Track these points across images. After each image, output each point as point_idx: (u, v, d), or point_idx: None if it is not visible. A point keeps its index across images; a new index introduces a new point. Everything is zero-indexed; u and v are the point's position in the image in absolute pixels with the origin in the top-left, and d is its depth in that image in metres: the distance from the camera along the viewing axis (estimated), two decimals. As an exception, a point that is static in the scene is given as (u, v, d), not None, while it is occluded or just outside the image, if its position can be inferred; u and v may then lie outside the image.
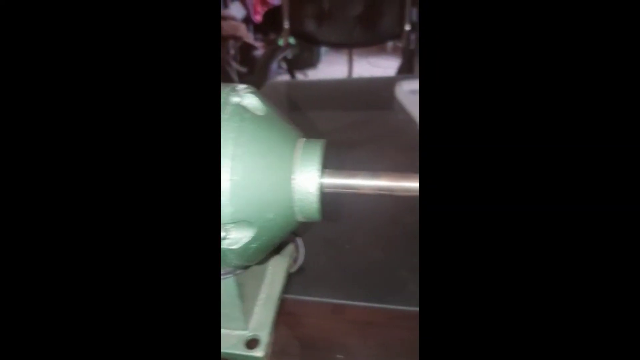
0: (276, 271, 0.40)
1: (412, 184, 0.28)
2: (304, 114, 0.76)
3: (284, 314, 0.39)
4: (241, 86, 0.28)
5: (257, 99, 0.28)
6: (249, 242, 0.27)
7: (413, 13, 1.42)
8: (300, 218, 0.29)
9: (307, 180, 0.27)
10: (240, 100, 0.27)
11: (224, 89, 0.27)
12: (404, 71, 1.37)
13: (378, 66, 2.55)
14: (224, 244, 0.26)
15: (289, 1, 1.48)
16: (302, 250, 0.44)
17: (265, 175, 0.26)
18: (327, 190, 0.29)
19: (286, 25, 1.50)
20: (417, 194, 0.28)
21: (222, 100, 0.26)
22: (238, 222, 0.26)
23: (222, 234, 0.25)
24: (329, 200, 0.32)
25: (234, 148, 0.25)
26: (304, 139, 0.29)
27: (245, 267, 0.32)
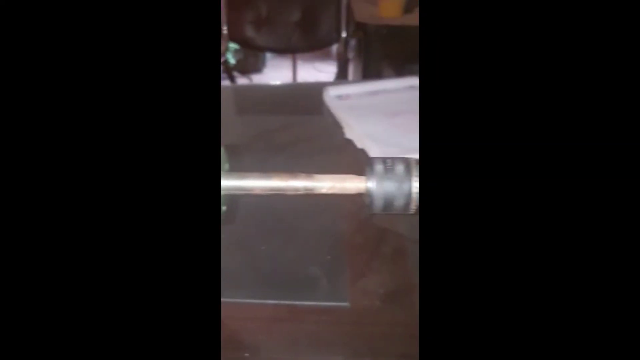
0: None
1: (300, 183, 0.30)
2: (235, 118, 0.77)
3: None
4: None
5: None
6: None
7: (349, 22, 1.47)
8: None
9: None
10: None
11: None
12: (339, 77, 1.41)
13: (323, 71, 2.60)
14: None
15: (227, 7, 1.48)
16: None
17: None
18: (223, 192, 0.30)
19: (224, 30, 1.49)
20: (305, 192, 0.30)
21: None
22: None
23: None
24: (229, 201, 0.33)
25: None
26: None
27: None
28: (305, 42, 1.58)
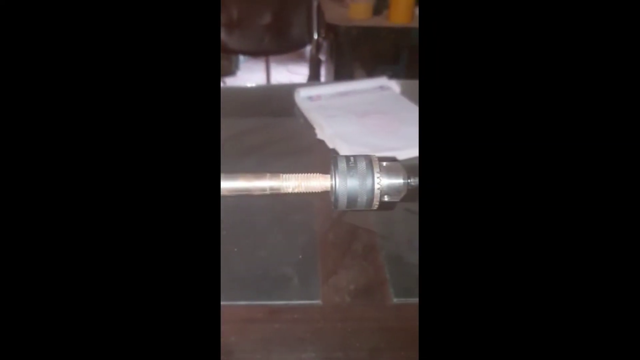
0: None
1: (266, 183, 0.30)
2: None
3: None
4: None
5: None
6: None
7: (321, 23, 1.48)
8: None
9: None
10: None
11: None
12: (311, 78, 1.42)
13: (297, 73, 2.60)
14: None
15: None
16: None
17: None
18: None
19: (195, 33, 1.48)
20: (271, 192, 0.30)
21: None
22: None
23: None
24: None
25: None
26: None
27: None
28: (277, 45, 1.58)
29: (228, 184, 0.30)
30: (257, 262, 0.46)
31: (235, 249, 0.47)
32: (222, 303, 0.41)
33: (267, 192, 0.30)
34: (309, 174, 0.30)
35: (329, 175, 0.30)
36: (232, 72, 2.57)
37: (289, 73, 2.64)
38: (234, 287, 0.43)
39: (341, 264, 0.45)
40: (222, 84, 2.31)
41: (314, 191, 0.31)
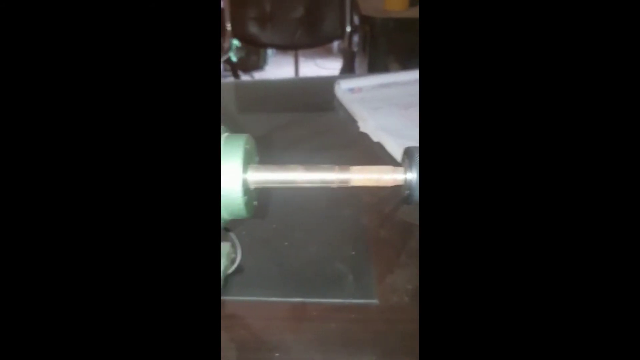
0: (211, 273, 0.39)
1: (335, 176, 0.29)
2: (248, 114, 0.75)
3: (222, 317, 0.38)
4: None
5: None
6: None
7: (353, 16, 1.46)
8: (226, 215, 0.29)
9: (230, 176, 0.27)
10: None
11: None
12: (345, 71, 1.40)
13: (325, 67, 2.58)
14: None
15: (230, 4, 1.46)
16: (239, 251, 0.43)
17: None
18: (254, 186, 0.29)
19: (228, 27, 1.47)
20: (339, 185, 0.28)
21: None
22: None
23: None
24: (263, 197, 0.32)
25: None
26: (227, 134, 0.29)
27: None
28: (309, 38, 1.56)
29: (296, 176, 0.28)
30: (308, 257, 0.44)
31: (286, 243, 0.46)
32: (274, 299, 0.40)
33: (335, 185, 0.29)
34: (379, 167, 0.29)
35: (401, 168, 0.28)
36: (260, 66, 2.57)
37: (317, 67, 2.62)
38: (287, 283, 0.41)
39: (397, 263, 0.43)
40: (250, 78, 2.32)
41: (384, 185, 0.29)
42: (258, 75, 2.48)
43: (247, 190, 0.28)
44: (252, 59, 2.47)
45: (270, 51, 2.58)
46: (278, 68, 2.59)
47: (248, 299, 0.40)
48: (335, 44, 2.55)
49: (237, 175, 0.27)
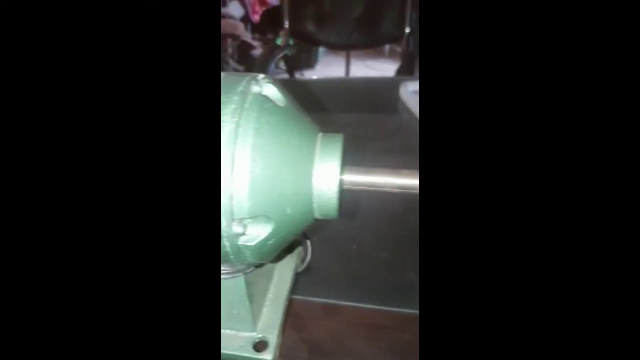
0: (283, 271, 0.39)
1: (414, 181, 0.27)
2: (310, 113, 0.75)
3: (291, 316, 0.38)
4: (260, 75, 0.27)
5: (276, 89, 0.27)
6: (266, 239, 0.25)
7: (413, 17, 1.42)
8: (317, 215, 0.28)
9: (327, 176, 0.26)
10: (260, 89, 0.26)
11: (244, 78, 0.26)
12: (402, 73, 1.37)
13: (375, 69, 2.55)
14: (240, 240, 0.25)
15: (289, 1, 1.47)
16: (309, 250, 0.43)
17: (286, 169, 0.25)
18: (346, 187, 0.28)
19: (286, 24, 1.48)
20: (415, 190, 0.27)
21: (241, 89, 0.25)
22: (256, 217, 0.24)
23: (240, 230, 0.24)
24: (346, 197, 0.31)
25: (254, 139, 0.24)
26: (323, 133, 0.28)
27: (258, 265, 0.31)
28: (365, 38, 1.54)
29: (366, 178, 0.27)
30: (378, 263, 0.43)
31: (354, 246, 0.45)
32: (344, 303, 0.39)
33: (408, 190, 0.27)
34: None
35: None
36: (310, 65, 2.58)
37: (367, 68, 2.60)
38: (356, 287, 0.40)
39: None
40: (299, 77, 2.33)
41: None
42: (308, 74, 2.49)
43: (341, 191, 0.27)
44: (303, 57, 2.48)
45: (320, 50, 2.58)
46: (328, 67, 2.59)
47: (318, 300, 0.39)
48: (388, 46, 2.51)
49: (334, 176, 0.26)
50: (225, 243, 0.24)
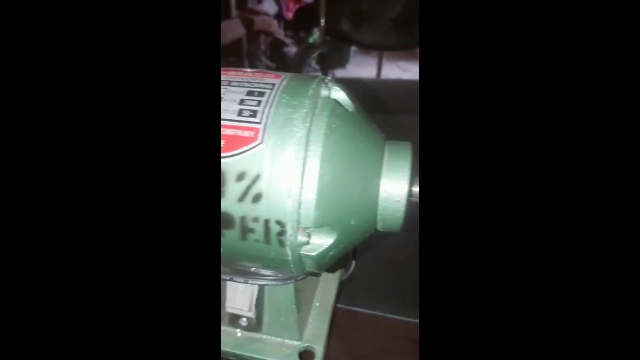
0: (329, 279, 0.38)
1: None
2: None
3: (335, 326, 0.36)
4: (327, 78, 0.26)
5: (344, 93, 0.26)
6: (328, 249, 0.24)
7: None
8: (379, 227, 0.27)
9: (395, 187, 0.25)
10: (329, 93, 0.25)
11: (314, 80, 0.25)
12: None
13: (408, 71, 2.51)
14: (303, 250, 0.24)
15: (326, 1, 1.46)
16: (353, 258, 0.41)
17: (353, 178, 0.24)
18: (413, 199, 0.26)
19: (322, 23, 1.47)
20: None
21: (311, 92, 0.24)
22: (321, 227, 0.23)
23: (304, 239, 0.23)
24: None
25: (324, 146, 0.23)
26: (388, 141, 0.27)
27: (314, 274, 0.30)
28: (401, 40, 1.52)
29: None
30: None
31: (400, 257, 0.43)
32: (389, 315, 0.38)
33: None
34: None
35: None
36: (341, 64, 2.56)
37: (399, 70, 2.56)
38: (402, 300, 0.39)
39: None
40: (330, 76, 2.32)
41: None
42: (339, 73, 2.47)
43: (408, 204, 0.26)
44: (334, 56, 2.47)
45: (352, 49, 2.56)
46: (359, 67, 2.57)
47: (362, 311, 0.38)
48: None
49: (403, 187, 0.25)
50: (287, 251, 0.23)
